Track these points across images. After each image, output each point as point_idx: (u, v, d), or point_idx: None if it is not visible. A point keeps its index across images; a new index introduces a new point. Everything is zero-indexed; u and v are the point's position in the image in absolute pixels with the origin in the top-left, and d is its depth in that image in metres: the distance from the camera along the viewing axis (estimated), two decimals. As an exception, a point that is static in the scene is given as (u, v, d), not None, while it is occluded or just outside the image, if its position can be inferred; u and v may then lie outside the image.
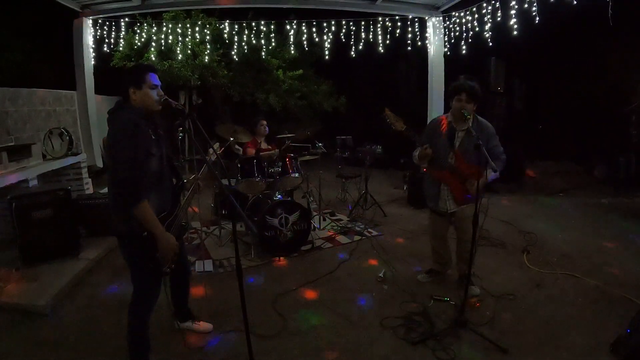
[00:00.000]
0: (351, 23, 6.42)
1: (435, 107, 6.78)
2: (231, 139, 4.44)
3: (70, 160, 5.19)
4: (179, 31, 7.42)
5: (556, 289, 3.46)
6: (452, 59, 6.66)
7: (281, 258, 4.20)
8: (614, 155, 6.76)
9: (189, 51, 7.84)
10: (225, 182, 4.84)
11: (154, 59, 7.55)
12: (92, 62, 6.47)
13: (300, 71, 9.11)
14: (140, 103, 2.18)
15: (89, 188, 5.59)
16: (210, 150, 2.38)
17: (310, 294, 3.46)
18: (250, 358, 2.12)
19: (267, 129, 5.02)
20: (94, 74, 6.52)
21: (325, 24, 6.45)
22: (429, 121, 6.80)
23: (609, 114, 7.40)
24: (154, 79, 2.20)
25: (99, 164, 6.67)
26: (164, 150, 2.30)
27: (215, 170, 2.15)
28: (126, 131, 2.07)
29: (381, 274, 3.74)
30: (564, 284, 3.54)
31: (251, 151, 4.81)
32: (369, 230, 5.08)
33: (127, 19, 6.50)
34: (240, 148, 4.99)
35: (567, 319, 3.00)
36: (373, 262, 4.15)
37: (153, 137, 2.20)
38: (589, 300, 3.26)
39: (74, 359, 2.61)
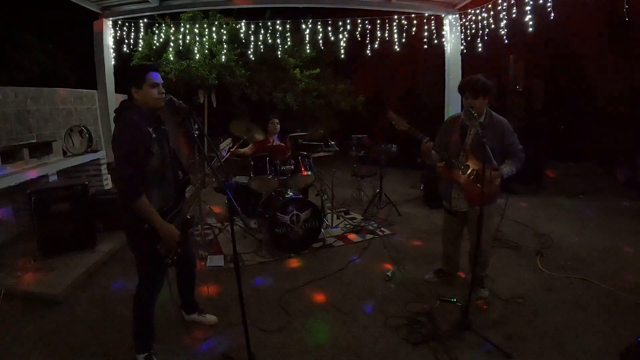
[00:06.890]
0: (367, 22, 6.40)
1: (453, 105, 6.67)
2: (242, 139, 4.50)
3: (90, 156, 5.35)
4: (197, 31, 7.55)
5: (568, 294, 3.36)
6: (469, 57, 6.55)
7: (292, 255, 4.24)
8: (637, 157, 6.52)
9: (206, 51, 7.98)
10: (242, 178, 4.93)
11: (172, 58, 7.71)
12: (113, 62, 6.64)
13: (317, 70, 9.13)
14: (142, 102, 2.28)
15: (108, 184, 5.75)
16: (221, 147, 2.47)
17: (317, 292, 3.48)
18: (248, 350, 2.18)
19: (277, 127, 5.07)
20: (114, 73, 6.70)
21: (340, 23, 6.45)
22: (445, 119, 6.78)
23: (632, 114, 7.13)
24: (154, 77, 2.27)
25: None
26: (166, 147, 2.39)
27: (215, 167, 2.22)
28: (125, 130, 2.20)
29: (389, 273, 3.73)
30: (577, 289, 3.44)
31: (248, 151, 4.90)
32: (382, 229, 5.06)
33: (146, 20, 6.63)
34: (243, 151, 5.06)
35: (577, 324, 2.91)
36: (383, 261, 4.12)
37: (154, 136, 2.28)
38: (601, 306, 3.15)
39: (86, 346, 2.73)
